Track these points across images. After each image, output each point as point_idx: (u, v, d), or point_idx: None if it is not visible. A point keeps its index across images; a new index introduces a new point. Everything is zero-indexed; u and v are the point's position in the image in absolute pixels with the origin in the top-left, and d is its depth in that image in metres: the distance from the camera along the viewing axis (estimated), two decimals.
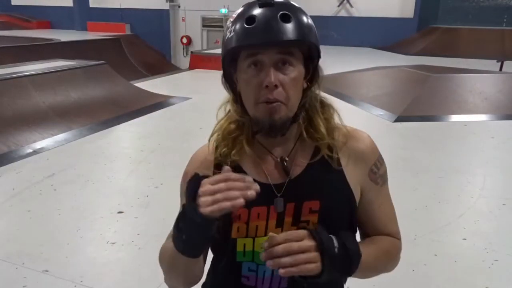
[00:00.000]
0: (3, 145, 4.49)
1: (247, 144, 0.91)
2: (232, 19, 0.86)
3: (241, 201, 0.71)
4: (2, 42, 11.73)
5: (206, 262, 0.97)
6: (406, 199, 3.52)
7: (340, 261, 0.81)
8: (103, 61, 7.32)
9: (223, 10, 17.54)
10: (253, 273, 0.92)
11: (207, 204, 0.72)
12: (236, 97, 0.91)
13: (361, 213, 0.96)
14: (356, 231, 0.99)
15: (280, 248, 0.77)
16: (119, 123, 5.77)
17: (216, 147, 0.94)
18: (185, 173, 0.99)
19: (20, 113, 5.13)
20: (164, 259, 0.94)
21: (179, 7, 18.46)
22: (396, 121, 6.08)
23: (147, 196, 3.58)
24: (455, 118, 6.34)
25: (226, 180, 0.73)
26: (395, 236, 1.00)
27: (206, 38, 18.44)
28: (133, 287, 2.48)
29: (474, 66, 9.52)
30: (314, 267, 0.78)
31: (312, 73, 0.89)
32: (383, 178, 0.97)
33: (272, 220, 0.88)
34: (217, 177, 0.75)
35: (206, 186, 0.74)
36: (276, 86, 0.81)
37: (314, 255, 0.78)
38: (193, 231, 0.78)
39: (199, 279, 0.97)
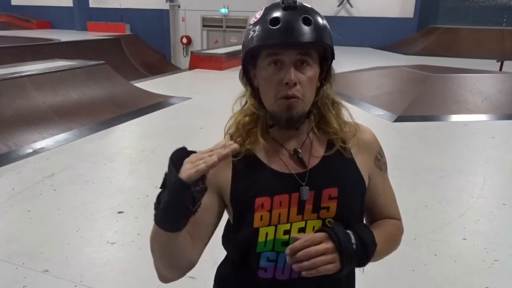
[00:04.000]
0: (3, 145, 4.49)
1: (262, 136, 0.95)
2: (255, 19, 0.91)
3: (214, 159, 0.74)
4: (2, 42, 11.73)
5: (214, 260, 0.95)
6: (406, 199, 3.51)
7: (358, 255, 0.88)
8: (103, 61, 7.32)
9: (223, 10, 17.54)
10: (272, 264, 0.94)
11: (186, 169, 0.75)
12: (254, 92, 0.97)
13: (368, 199, 1.03)
14: (363, 215, 1.04)
15: (299, 254, 0.83)
16: (119, 123, 5.77)
17: (231, 138, 0.98)
18: None
19: (20, 113, 5.13)
20: (150, 242, 0.91)
21: (179, 7, 18.46)
22: (396, 121, 6.09)
23: (147, 196, 3.58)
24: (455, 118, 6.34)
25: (210, 151, 0.77)
26: (397, 217, 1.08)
27: (206, 38, 18.44)
28: (133, 287, 2.48)
29: (474, 66, 9.51)
30: (332, 267, 0.85)
31: (325, 73, 0.95)
32: (385, 165, 1.07)
33: (294, 208, 0.93)
34: (204, 150, 0.79)
35: (191, 157, 0.78)
36: (295, 84, 0.88)
37: (333, 256, 0.85)
38: (170, 198, 0.77)
39: (188, 265, 0.93)
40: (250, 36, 0.90)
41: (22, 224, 3.12)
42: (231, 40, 17.64)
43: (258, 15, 0.91)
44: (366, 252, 0.89)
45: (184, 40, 18.47)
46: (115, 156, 4.63)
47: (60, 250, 2.79)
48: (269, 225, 0.92)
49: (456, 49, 13.52)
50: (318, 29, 0.87)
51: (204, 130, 5.40)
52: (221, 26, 17.98)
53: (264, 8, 0.92)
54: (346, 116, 1.01)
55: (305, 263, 0.83)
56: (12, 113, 5.05)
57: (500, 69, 9.88)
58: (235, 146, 0.77)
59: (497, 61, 10.14)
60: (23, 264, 2.61)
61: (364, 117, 6.10)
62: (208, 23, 18.22)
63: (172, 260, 0.89)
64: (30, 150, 4.55)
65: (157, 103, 6.86)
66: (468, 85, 7.15)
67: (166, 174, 0.80)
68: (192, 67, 10.97)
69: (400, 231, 1.07)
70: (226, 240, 1.02)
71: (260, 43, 0.87)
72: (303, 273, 0.84)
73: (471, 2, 16.02)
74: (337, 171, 0.97)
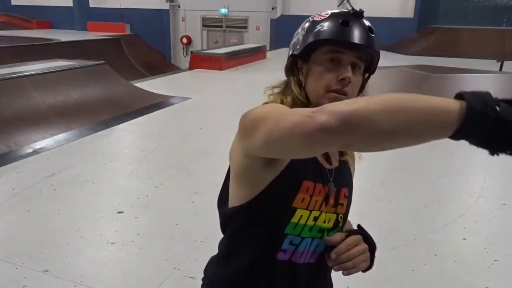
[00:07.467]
0: (3, 145, 4.49)
1: None
2: (321, 17, 0.97)
3: None
4: (2, 42, 11.75)
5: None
6: (406, 199, 3.46)
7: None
8: (103, 61, 7.32)
9: (223, 10, 17.56)
10: (292, 247, 0.97)
11: None
12: (300, 82, 1.01)
13: None
14: None
15: (345, 256, 0.95)
16: (119, 123, 5.76)
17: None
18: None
19: (20, 113, 5.13)
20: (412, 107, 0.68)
21: (179, 7, 18.48)
22: None
23: (147, 196, 3.58)
24: None
25: None
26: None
27: (206, 38, 18.46)
28: (133, 287, 2.48)
29: (474, 66, 9.52)
30: (366, 265, 0.99)
31: (364, 83, 1.04)
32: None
33: (322, 198, 0.99)
34: None
35: None
36: (349, 82, 0.95)
37: (367, 255, 0.99)
38: None
39: None
40: (316, 30, 0.95)
41: (22, 224, 3.12)
42: (231, 40, 17.65)
43: (325, 14, 0.97)
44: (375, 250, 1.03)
45: (184, 40, 18.49)
46: (115, 156, 4.63)
47: (60, 250, 2.79)
48: (307, 208, 0.96)
49: (456, 49, 13.54)
50: (377, 40, 0.96)
51: (204, 130, 5.40)
52: (221, 26, 18.00)
53: (329, 11, 0.98)
54: None
55: (349, 264, 0.94)
56: (12, 113, 5.06)
57: (500, 69, 9.88)
58: None
59: (497, 61, 10.15)
60: (23, 264, 2.61)
61: None
62: (208, 23, 18.24)
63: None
64: (30, 150, 4.55)
65: (157, 103, 6.86)
66: (468, 85, 7.15)
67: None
68: (192, 67, 10.97)
69: None
70: (244, 217, 0.98)
71: (333, 38, 0.93)
72: (344, 273, 0.95)
73: (471, 2, 16.03)
74: (347, 174, 1.08)
